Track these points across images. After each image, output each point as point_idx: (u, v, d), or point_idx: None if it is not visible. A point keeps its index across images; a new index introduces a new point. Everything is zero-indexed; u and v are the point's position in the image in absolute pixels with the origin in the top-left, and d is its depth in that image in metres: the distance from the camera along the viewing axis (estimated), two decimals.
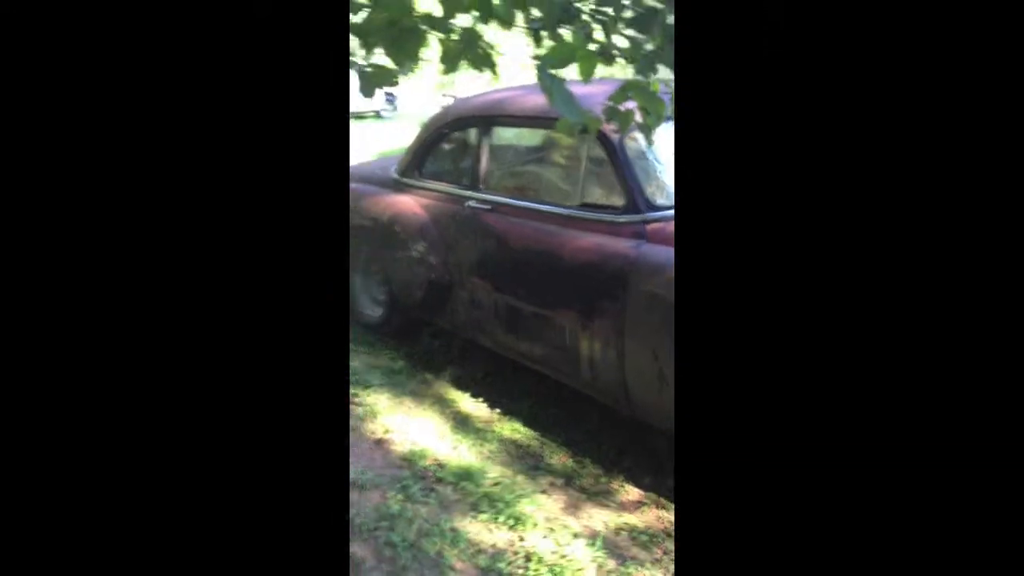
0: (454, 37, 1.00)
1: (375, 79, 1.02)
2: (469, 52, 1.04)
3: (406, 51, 1.01)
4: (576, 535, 1.86)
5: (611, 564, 1.76)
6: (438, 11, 1.03)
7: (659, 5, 1.01)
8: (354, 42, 1.09)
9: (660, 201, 2.15)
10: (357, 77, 1.08)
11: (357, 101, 12.87)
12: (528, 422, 2.45)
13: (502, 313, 2.50)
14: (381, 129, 11.32)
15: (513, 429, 2.41)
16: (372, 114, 12.88)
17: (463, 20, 1.07)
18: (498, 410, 2.52)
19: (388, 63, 1.09)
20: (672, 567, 1.74)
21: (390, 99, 13.31)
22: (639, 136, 2.16)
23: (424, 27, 0.99)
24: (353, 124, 11.82)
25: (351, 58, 1.08)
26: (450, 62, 1.04)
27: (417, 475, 2.09)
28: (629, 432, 2.33)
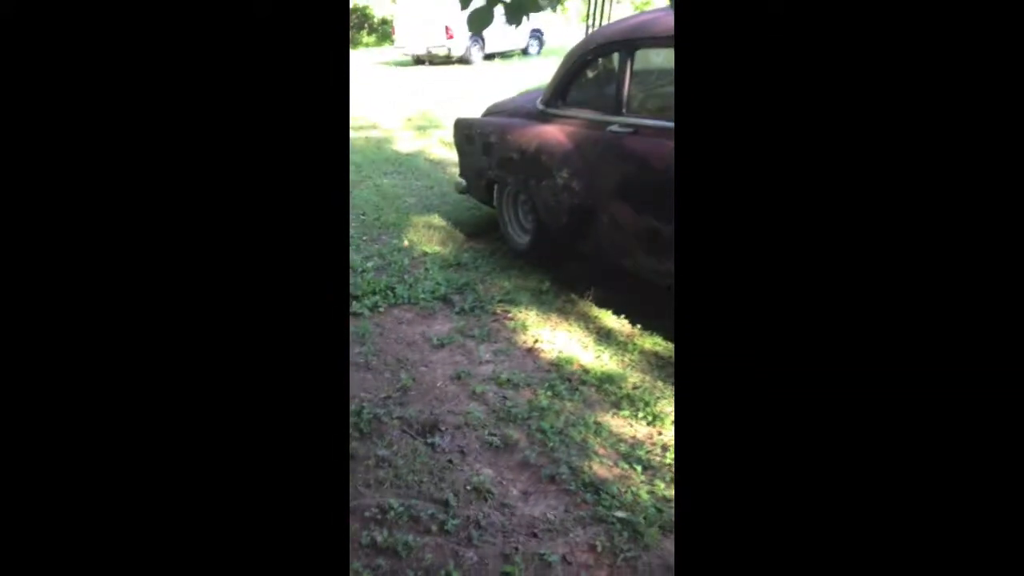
0: None
1: (521, 7, 1.17)
2: None
3: None
4: None
5: None
6: None
7: None
8: None
9: None
10: (503, 8, 1.22)
11: (505, 39, 12.87)
12: (667, 336, 2.57)
13: (643, 235, 2.59)
14: (527, 66, 11.38)
15: (653, 342, 2.55)
16: (518, 52, 12.93)
17: None
18: (639, 326, 2.66)
19: None
20: None
21: (537, 35, 13.25)
22: None
23: None
24: (500, 62, 12.00)
25: None
26: None
27: (564, 377, 2.31)
28: None
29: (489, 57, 12.30)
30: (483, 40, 11.87)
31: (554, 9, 1.38)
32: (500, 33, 12.04)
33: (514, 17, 1.17)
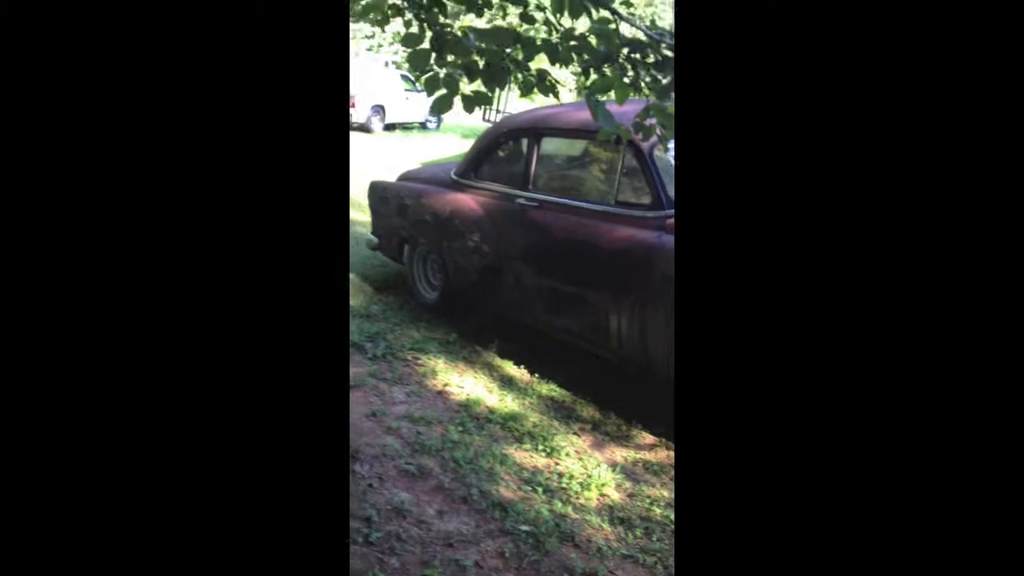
0: (532, 75, 1.48)
1: (475, 101, 1.51)
2: (540, 84, 1.52)
3: (498, 82, 1.49)
4: (600, 463, 2.31)
5: (628, 484, 2.20)
6: (518, 55, 1.52)
7: (670, 53, 1.47)
8: (457, 72, 1.57)
9: None
10: (460, 99, 1.56)
11: (405, 112, 13.29)
12: (562, 383, 2.91)
13: (543, 294, 2.96)
14: (426, 140, 11.92)
15: (550, 389, 2.87)
16: (417, 126, 13.51)
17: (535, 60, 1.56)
18: (537, 374, 2.99)
19: (480, 89, 1.58)
20: None
21: (435, 114, 13.90)
22: (663, 148, 2.63)
23: (511, 67, 1.47)
24: (400, 133, 12.46)
25: (456, 82, 1.53)
26: (527, 90, 1.52)
27: (472, 416, 2.56)
28: (647, 391, 2.76)
29: (389, 128, 12.73)
30: (384, 111, 12.32)
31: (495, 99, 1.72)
32: (401, 105, 12.58)
33: (470, 108, 1.50)
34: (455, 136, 12.01)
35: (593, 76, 1.60)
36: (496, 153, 3.40)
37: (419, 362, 3.01)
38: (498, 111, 9.92)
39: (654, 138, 1.89)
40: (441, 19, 1.56)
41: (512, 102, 11.25)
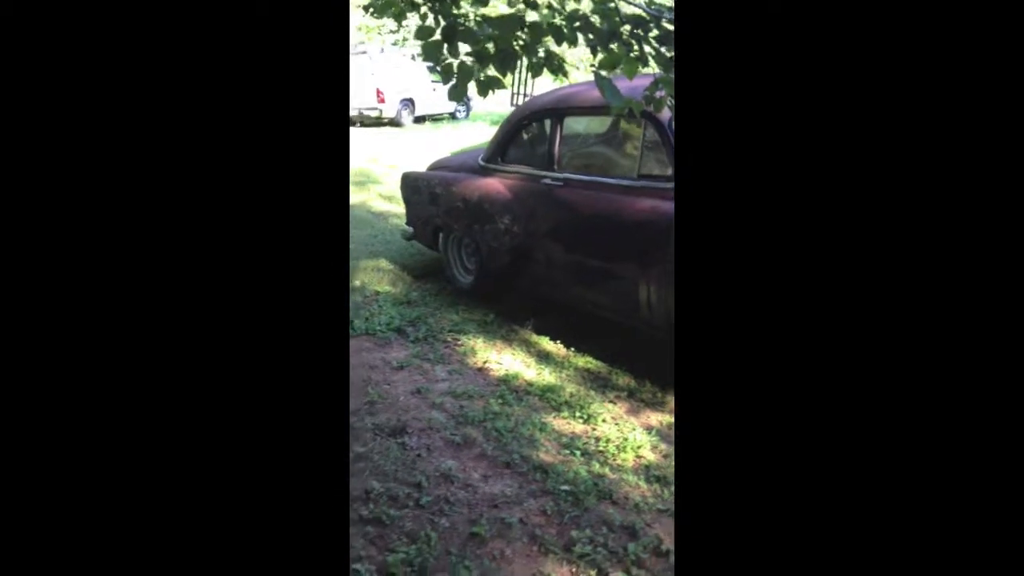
0: (540, 57, 1.57)
1: (488, 85, 1.60)
2: (548, 64, 1.61)
3: (509, 66, 1.59)
4: (636, 427, 2.40)
5: (663, 446, 2.29)
6: (526, 39, 1.60)
7: (671, 27, 1.54)
8: (469, 60, 1.66)
9: None
10: (475, 85, 1.65)
11: (434, 104, 13.42)
12: (597, 355, 3.00)
13: (574, 270, 3.05)
14: (455, 130, 12.05)
15: (585, 361, 2.97)
16: (447, 116, 13.64)
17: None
18: (572, 348, 3.08)
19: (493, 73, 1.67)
20: None
21: (465, 103, 14.03)
22: None
23: (520, 51, 1.56)
24: (429, 125, 12.62)
25: (470, 66, 1.62)
26: (536, 71, 1.61)
27: (511, 389, 2.68)
28: None
29: (419, 120, 12.90)
30: (413, 104, 12.48)
31: (489, 93, 1.79)
32: (430, 98, 12.72)
33: (484, 91, 1.59)
34: (484, 124, 12.07)
35: (601, 54, 1.68)
36: (520, 136, 3.49)
37: (459, 343, 3.14)
38: (525, 94, 9.93)
39: (668, 112, 1.96)
40: (454, 10, 1.65)
41: (540, 84, 11.25)
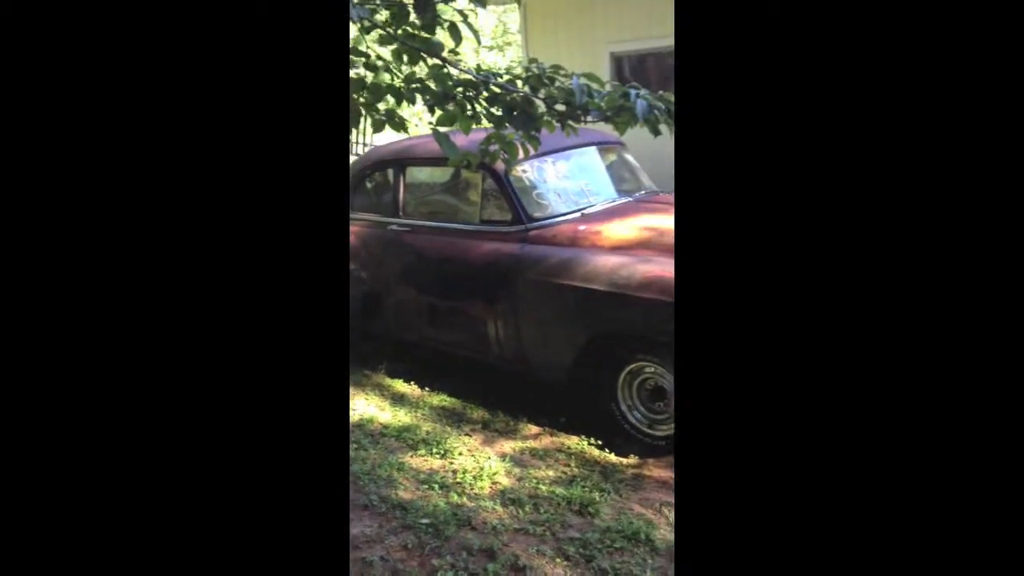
0: (381, 114, 1.71)
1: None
2: (390, 121, 1.75)
3: (353, 123, 1.70)
4: (491, 456, 2.53)
5: (517, 470, 2.44)
6: (367, 98, 1.74)
7: (498, 90, 1.75)
8: None
9: (536, 214, 2.91)
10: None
11: None
12: (451, 393, 3.11)
13: (425, 311, 3.16)
14: None
15: (440, 399, 3.06)
16: None
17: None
18: (427, 388, 3.17)
19: None
20: (560, 469, 2.44)
21: None
22: (521, 168, 2.94)
23: (362, 109, 1.68)
24: None
25: None
26: (378, 128, 1.74)
27: (366, 433, 2.70)
28: (529, 388, 3.03)
29: None
30: None
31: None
32: None
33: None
34: None
35: (438, 112, 1.85)
36: (365, 184, 3.58)
37: None
38: (366, 144, 9.99)
39: (502, 163, 2.17)
40: None
41: (382, 135, 11.35)
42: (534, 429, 2.79)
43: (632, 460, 2.48)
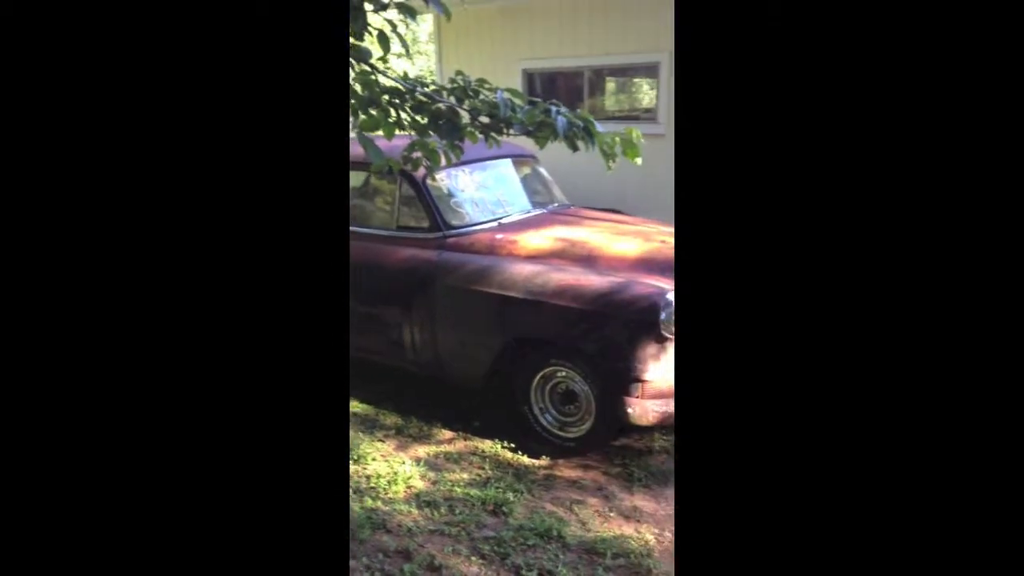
0: None
1: None
2: None
3: None
4: (405, 461, 2.54)
5: (431, 474, 2.46)
6: None
7: (425, 100, 1.80)
8: None
9: (453, 221, 2.97)
10: None
11: None
12: (365, 399, 3.09)
13: None
14: None
15: (354, 406, 3.03)
16: None
17: None
18: None
19: None
20: (474, 472, 2.49)
21: None
22: (438, 176, 2.98)
23: None
24: None
25: None
26: None
27: None
28: (443, 394, 3.06)
29: None
30: None
31: None
32: None
33: None
34: None
35: (362, 116, 1.87)
36: None
37: None
38: None
39: (423, 170, 2.22)
40: None
41: None
42: (448, 434, 2.83)
43: (544, 461, 2.57)
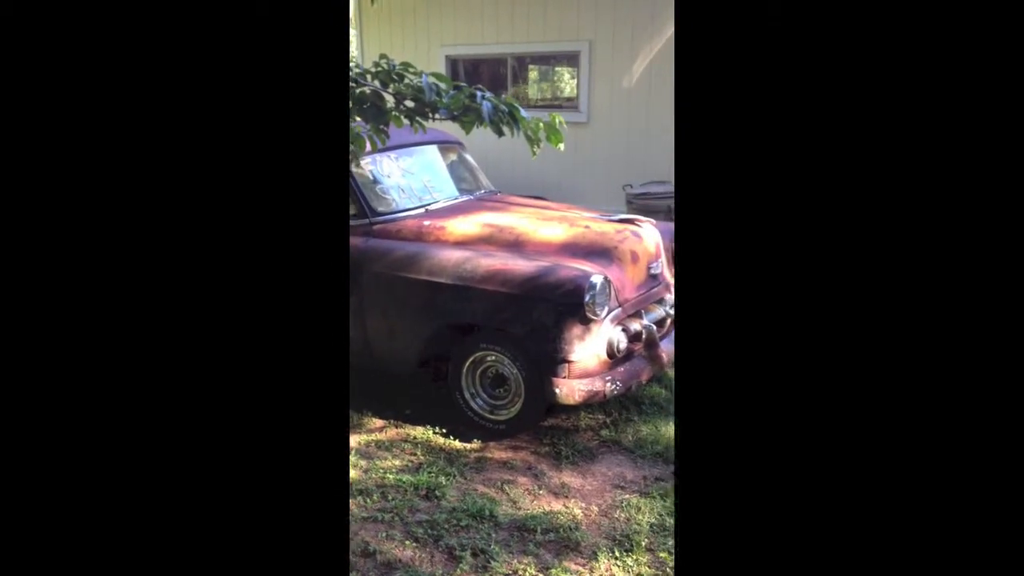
0: None
1: None
2: None
3: None
4: None
5: (363, 463, 2.45)
6: None
7: (368, 90, 1.77)
8: None
9: (380, 209, 2.94)
10: None
11: None
12: None
13: None
14: None
15: None
16: None
17: None
18: None
19: None
20: (406, 458, 2.50)
21: None
22: (363, 163, 2.94)
23: None
24: None
25: None
26: None
27: None
28: (373, 380, 3.04)
29: None
30: None
31: None
32: None
33: None
34: None
35: None
36: None
37: None
38: None
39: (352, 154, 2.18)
40: None
41: None
42: (379, 423, 2.82)
43: (475, 444, 2.61)
